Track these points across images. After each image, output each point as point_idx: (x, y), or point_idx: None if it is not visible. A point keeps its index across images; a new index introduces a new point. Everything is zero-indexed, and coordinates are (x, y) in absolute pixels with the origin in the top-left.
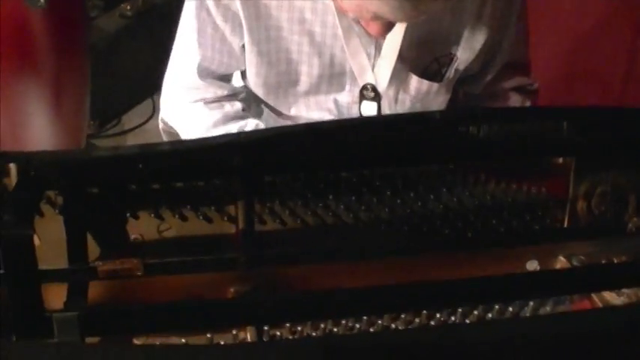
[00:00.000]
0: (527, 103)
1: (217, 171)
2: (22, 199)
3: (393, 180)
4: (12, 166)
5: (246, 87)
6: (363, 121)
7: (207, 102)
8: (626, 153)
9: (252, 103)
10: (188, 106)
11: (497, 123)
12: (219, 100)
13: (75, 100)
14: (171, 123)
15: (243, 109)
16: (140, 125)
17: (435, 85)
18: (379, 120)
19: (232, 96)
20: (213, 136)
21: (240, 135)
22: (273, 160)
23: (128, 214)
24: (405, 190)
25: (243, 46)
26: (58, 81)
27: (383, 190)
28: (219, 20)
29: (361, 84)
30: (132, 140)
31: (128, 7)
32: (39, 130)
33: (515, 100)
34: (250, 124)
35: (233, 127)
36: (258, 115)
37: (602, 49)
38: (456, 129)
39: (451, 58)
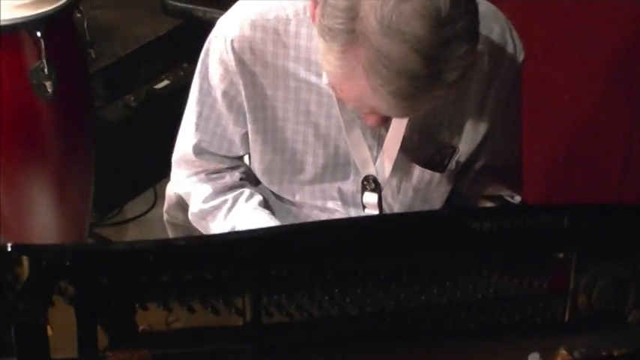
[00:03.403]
0: None
1: (225, 265)
2: (34, 290)
3: (398, 273)
4: (24, 257)
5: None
6: (370, 220)
7: (209, 173)
8: (625, 247)
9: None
10: (192, 178)
11: (501, 219)
12: (220, 171)
13: (80, 189)
14: (179, 192)
15: (241, 179)
16: (142, 215)
17: (437, 176)
18: (385, 218)
19: (233, 168)
20: (221, 232)
21: (249, 232)
22: (280, 255)
23: (137, 305)
24: (409, 283)
25: (246, 134)
26: (64, 170)
27: (388, 283)
28: (224, 109)
29: (363, 175)
30: (133, 229)
31: (132, 98)
32: (44, 218)
33: None
34: (245, 193)
35: (229, 196)
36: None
37: (600, 140)
38: (461, 225)
39: (453, 150)
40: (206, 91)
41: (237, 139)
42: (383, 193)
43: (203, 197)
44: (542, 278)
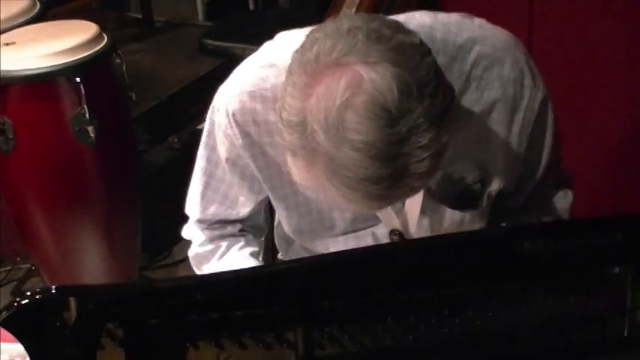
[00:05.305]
0: (570, 197)
1: (275, 298)
2: (82, 333)
3: (451, 300)
4: (71, 299)
5: (252, 218)
6: (419, 243)
7: (212, 223)
8: None
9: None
10: (196, 224)
11: (552, 237)
12: (223, 222)
13: (127, 233)
14: (185, 237)
15: (242, 230)
16: None
17: (469, 215)
18: (435, 241)
19: (236, 221)
20: (269, 263)
21: (296, 262)
22: (331, 285)
23: (188, 344)
24: (463, 309)
25: (263, 200)
26: (110, 215)
27: (442, 310)
28: (236, 178)
29: (388, 229)
30: (183, 271)
31: (176, 140)
32: (92, 263)
33: (562, 207)
34: (240, 242)
35: (223, 243)
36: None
37: None
38: (513, 245)
39: (483, 185)
40: (214, 162)
41: (247, 208)
42: (416, 237)
43: (200, 241)
44: (598, 295)
